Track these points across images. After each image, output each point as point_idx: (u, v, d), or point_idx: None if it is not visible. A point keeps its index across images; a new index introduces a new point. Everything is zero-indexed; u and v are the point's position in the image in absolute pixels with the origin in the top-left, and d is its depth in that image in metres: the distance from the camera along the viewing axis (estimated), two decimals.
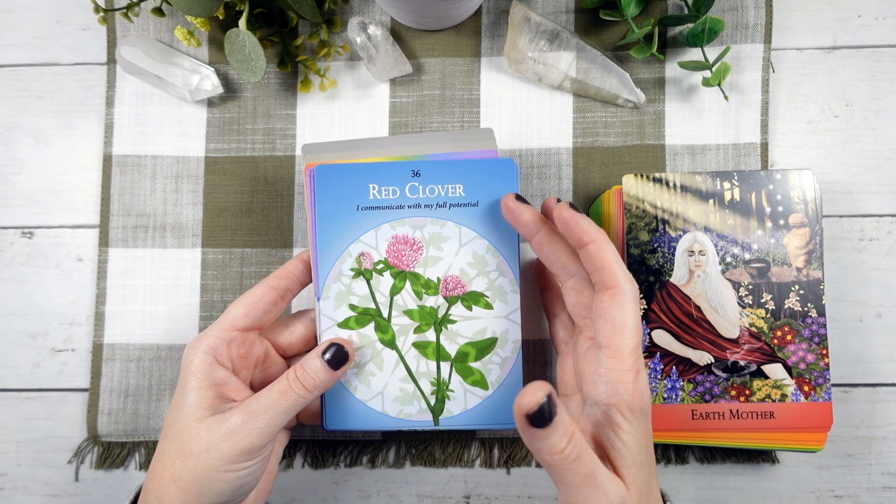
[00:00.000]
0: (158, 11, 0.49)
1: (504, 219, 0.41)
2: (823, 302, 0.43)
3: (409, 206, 0.41)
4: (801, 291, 0.43)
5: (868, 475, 0.49)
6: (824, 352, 0.43)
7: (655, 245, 0.44)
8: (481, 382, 0.41)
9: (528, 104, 0.51)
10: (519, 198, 0.38)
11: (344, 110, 0.51)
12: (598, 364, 0.34)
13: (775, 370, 0.43)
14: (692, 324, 0.44)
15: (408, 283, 0.41)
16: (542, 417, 0.30)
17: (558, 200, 0.37)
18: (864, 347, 0.49)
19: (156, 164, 0.51)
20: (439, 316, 0.41)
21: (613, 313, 0.34)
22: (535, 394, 0.30)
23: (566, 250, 0.37)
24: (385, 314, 0.41)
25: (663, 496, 0.37)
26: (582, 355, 0.37)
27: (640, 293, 0.44)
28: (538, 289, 0.44)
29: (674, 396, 0.44)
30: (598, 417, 0.34)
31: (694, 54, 0.50)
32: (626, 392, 0.33)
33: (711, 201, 0.44)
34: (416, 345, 0.41)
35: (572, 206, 0.36)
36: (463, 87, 0.51)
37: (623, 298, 0.34)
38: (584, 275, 0.37)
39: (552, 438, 0.30)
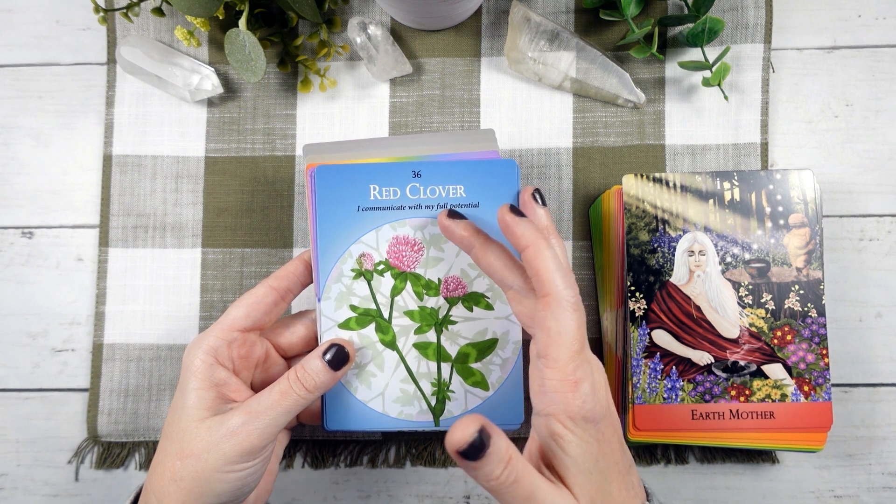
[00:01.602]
0: (158, 11, 0.49)
1: None
2: (823, 302, 0.43)
3: (410, 207, 0.41)
4: (801, 291, 0.43)
5: (868, 475, 0.49)
6: (824, 352, 0.43)
7: (655, 245, 0.44)
8: (482, 383, 0.41)
9: (528, 104, 0.51)
10: (452, 213, 0.38)
11: (344, 110, 0.51)
12: (539, 374, 0.33)
13: (775, 370, 0.43)
14: (692, 324, 0.44)
15: (408, 284, 0.41)
16: (474, 451, 0.30)
17: (535, 191, 0.36)
18: (864, 347, 0.49)
19: (156, 164, 0.51)
20: (440, 317, 0.41)
21: (549, 322, 0.33)
22: (466, 430, 0.30)
23: (502, 261, 0.36)
24: (386, 315, 0.41)
25: (647, 494, 0.37)
26: (531, 364, 0.36)
27: (641, 293, 0.44)
28: None
29: (674, 396, 0.44)
30: (541, 427, 0.33)
31: (694, 54, 0.50)
32: (563, 402, 0.32)
33: (711, 201, 0.44)
34: (416, 346, 0.41)
35: (514, 208, 0.35)
36: (463, 87, 0.51)
37: (558, 307, 0.32)
38: (521, 284, 0.35)
39: (487, 468, 0.31)
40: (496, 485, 0.31)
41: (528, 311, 0.35)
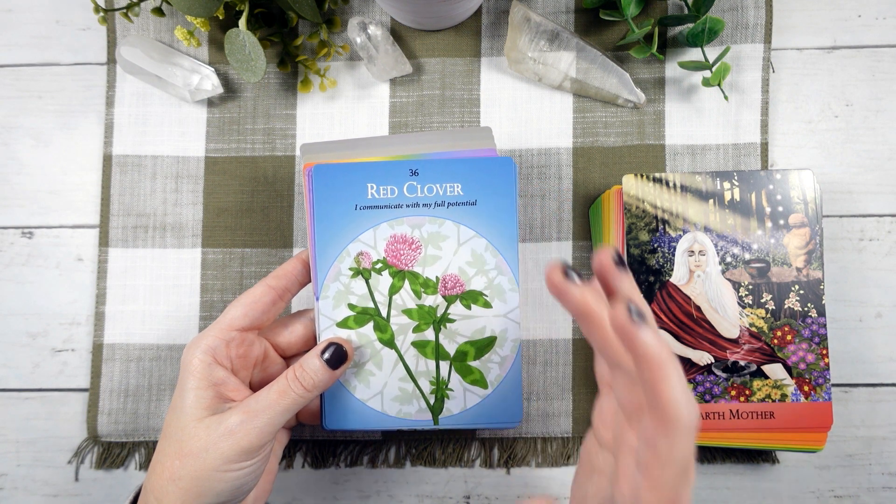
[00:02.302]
0: (158, 11, 0.49)
1: (502, 217, 0.41)
2: (823, 302, 0.43)
3: (408, 206, 0.41)
4: (801, 291, 0.43)
5: (868, 475, 0.49)
6: (824, 352, 0.43)
7: (655, 245, 0.44)
8: (480, 381, 0.41)
9: (528, 104, 0.51)
10: (566, 271, 0.30)
11: (344, 110, 0.51)
12: (632, 481, 0.30)
13: (775, 370, 0.43)
14: (692, 324, 0.44)
15: (406, 283, 0.41)
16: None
17: (619, 255, 0.31)
18: (864, 347, 0.49)
19: (156, 164, 0.51)
20: (438, 315, 0.41)
21: (660, 443, 0.28)
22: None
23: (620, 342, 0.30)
24: (384, 313, 0.41)
25: None
26: (628, 449, 0.32)
27: (641, 293, 0.44)
28: None
29: None
30: None
31: (694, 54, 0.50)
32: None
33: (711, 201, 0.44)
34: (415, 344, 0.41)
35: (631, 310, 0.27)
36: (463, 87, 0.51)
37: (676, 433, 0.27)
38: (633, 369, 0.30)
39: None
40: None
41: (638, 400, 0.31)
